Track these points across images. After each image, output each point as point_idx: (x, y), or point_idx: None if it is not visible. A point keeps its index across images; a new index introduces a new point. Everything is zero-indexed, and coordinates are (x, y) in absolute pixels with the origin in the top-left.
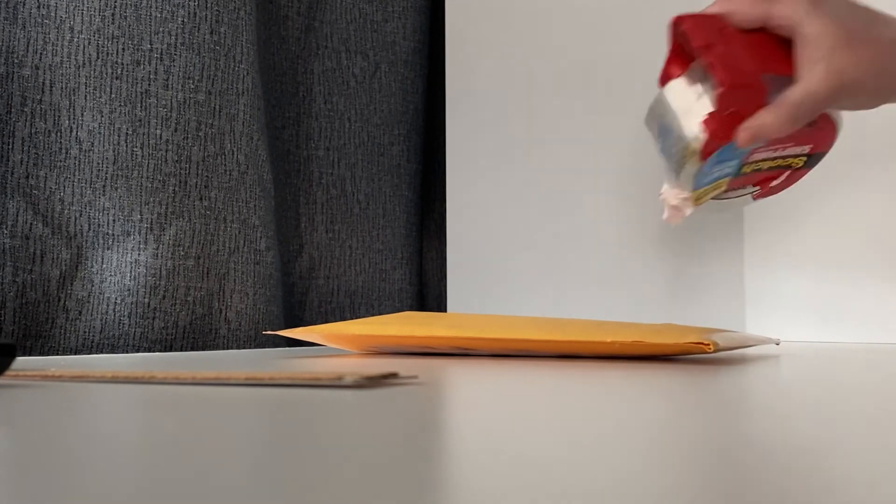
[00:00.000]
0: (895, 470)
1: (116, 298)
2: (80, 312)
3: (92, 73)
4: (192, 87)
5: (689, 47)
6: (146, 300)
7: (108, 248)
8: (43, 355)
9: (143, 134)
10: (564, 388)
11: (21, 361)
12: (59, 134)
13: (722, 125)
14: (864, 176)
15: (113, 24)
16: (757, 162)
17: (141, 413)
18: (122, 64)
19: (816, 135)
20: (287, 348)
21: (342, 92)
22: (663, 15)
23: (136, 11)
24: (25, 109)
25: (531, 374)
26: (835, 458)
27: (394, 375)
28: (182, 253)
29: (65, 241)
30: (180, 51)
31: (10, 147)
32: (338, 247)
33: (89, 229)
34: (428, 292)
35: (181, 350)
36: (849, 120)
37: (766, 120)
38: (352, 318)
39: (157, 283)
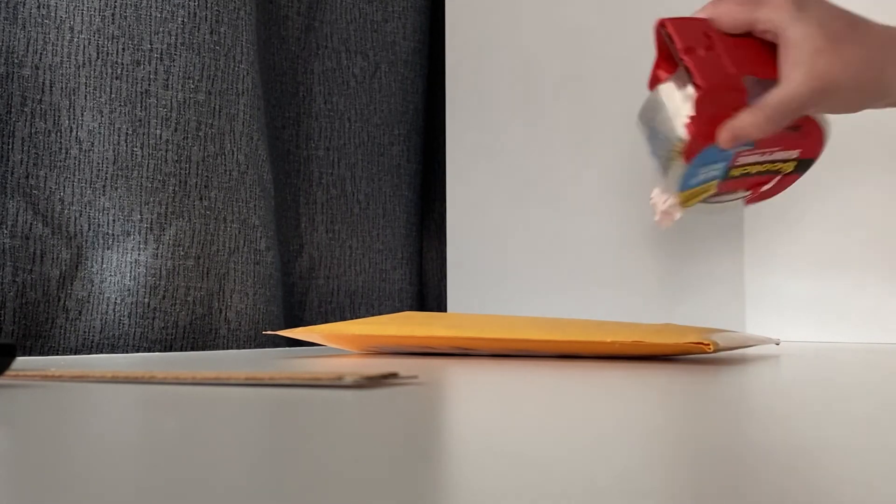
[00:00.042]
0: (895, 470)
1: (116, 298)
2: (80, 312)
3: (92, 73)
4: (192, 87)
5: (673, 50)
6: (146, 300)
7: (108, 248)
8: (43, 355)
9: (143, 134)
10: (564, 388)
11: (21, 361)
12: (59, 134)
13: (703, 127)
14: (863, 176)
15: (113, 24)
16: (745, 166)
17: (141, 413)
18: (122, 64)
19: (803, 140)
20: (287, 348)
21: (342, 92)
22: (663, 17)
23: (136, 11)
24: (25, 109)
25: (531, 374)
26: (835, 458)
27: (394, 375)
28: (182, 253)
29: (65, 241)
30: (180, 51)
31: (10, 147)
32: (338, 247)
33: (89, 229)
34: (428, 292)
35: (181, 350)
36: (849, 120)
37: (746, 121)
38: (352, 318)
39: (157, 283)
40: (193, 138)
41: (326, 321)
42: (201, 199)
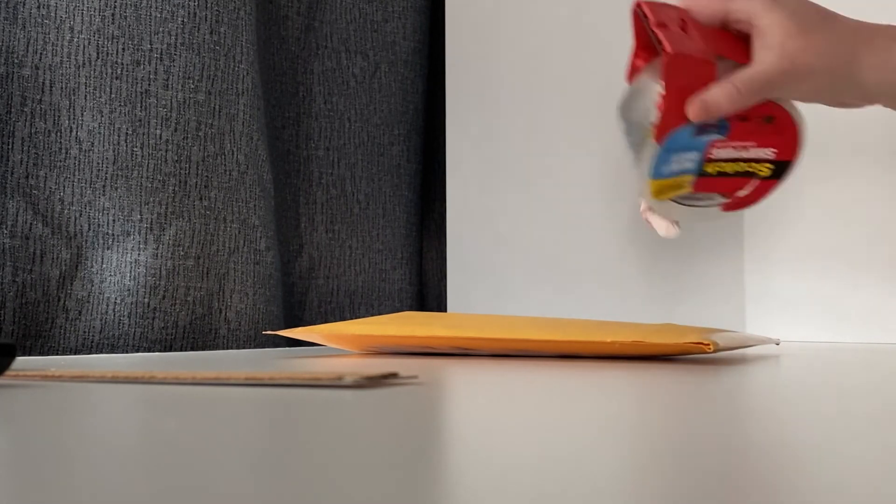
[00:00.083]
0: (895, 470)
1: (116, 298)
2: (80, 312)
3: (92, 73)
4: (192, 87)
5: (648, 28)
6: (146, 300)
7: (108, 248)
8: (43, 355)
9: (143, 134)
10: (564, 388)
11: (21, 361)
12: (59, 134)
13: (674, 103)
14: (864, 176)
15: (113, 24)
16: (720, 162)
17: (141, 413)
18: (122, 64)
19: (778, 137)
20: (287, 348)
21: (342, 92)
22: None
23: (136, 11)
24: (25, 109)
25: (531, 374)
26: (835, 458)
27: (394, 375)
28: (182, 253)
29: (65, 241)
30: (180, 51)
31: (10, 147)
32: (338, 247)
33: (89, 229)
34: (428, 292)
35: (181, 350)
36: (849, 119)
37: (716, 92)
38: (352, 318)
39: (157, 283)
40: (193, 138)
41: (326, 321)
42: (201, 199)
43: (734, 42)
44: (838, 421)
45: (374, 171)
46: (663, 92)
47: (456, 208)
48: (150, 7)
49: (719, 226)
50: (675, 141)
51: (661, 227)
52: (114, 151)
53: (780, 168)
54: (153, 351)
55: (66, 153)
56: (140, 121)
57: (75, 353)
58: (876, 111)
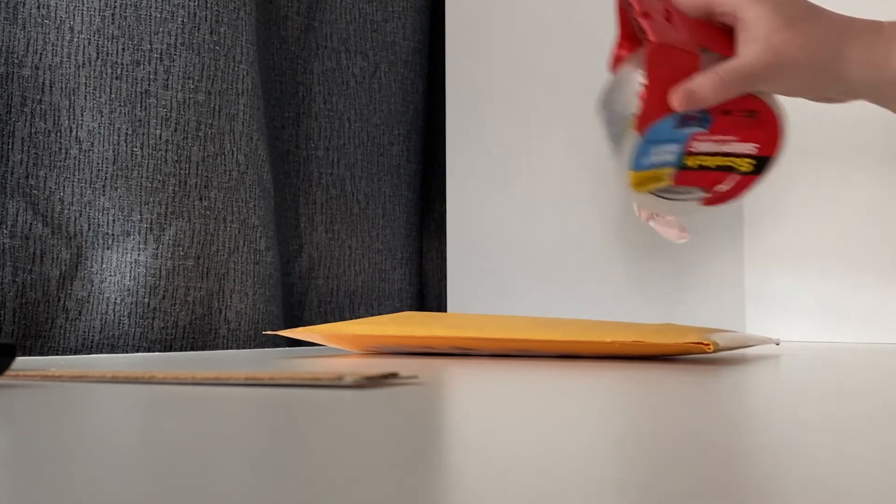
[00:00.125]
0: (895, 470)
1: (116, 298)
2: (80, 312)
3: (92, 73)
4: (192, 87)
5: (631, 17)
6: (146, 300)
7: (107, 248)
8: (43, 355)
9: (143, 134)
10: (564, 388)
11: (21, 361)
12: (58, 134)
13: (656, 93)
14: (864, 175)
15: (113, 24)
16: (700, 155)
17: (141, 413)
18: (122, 64)
19: (759, 131)
20: (287, 348)
21: (342, 92)
22: None
23: (136, 11)
24: (25, 109)
25: (531, 374)
26: (835, 458)
27: (394, 375)
28: (182, 253)
29: (65, 241)
30: (180, 51)
31: (10, 147)
32: (337, 247)
33: (89, 229)
34: (428, 292)
35: (181, 350)
36: (849, 119)
37: (700, 82)
38: (352, 318)
39: (157, 283)
40: (193, 138)
41: (326, 321)
42: (201, 199)
43: (719, 34)
44: (838, 421)
45: (374, 171)
46: (646, 82)
47: (456, 208)
48: (150, 7)
49: (719, 226)
50: (656, 132)
51: (671, 233)
52: (114, 151)
53: (761, 163)
54: (153, 351)
55: (66, 153)
56: (140, 121)
57: (75, 353)
58: (876, 111)
